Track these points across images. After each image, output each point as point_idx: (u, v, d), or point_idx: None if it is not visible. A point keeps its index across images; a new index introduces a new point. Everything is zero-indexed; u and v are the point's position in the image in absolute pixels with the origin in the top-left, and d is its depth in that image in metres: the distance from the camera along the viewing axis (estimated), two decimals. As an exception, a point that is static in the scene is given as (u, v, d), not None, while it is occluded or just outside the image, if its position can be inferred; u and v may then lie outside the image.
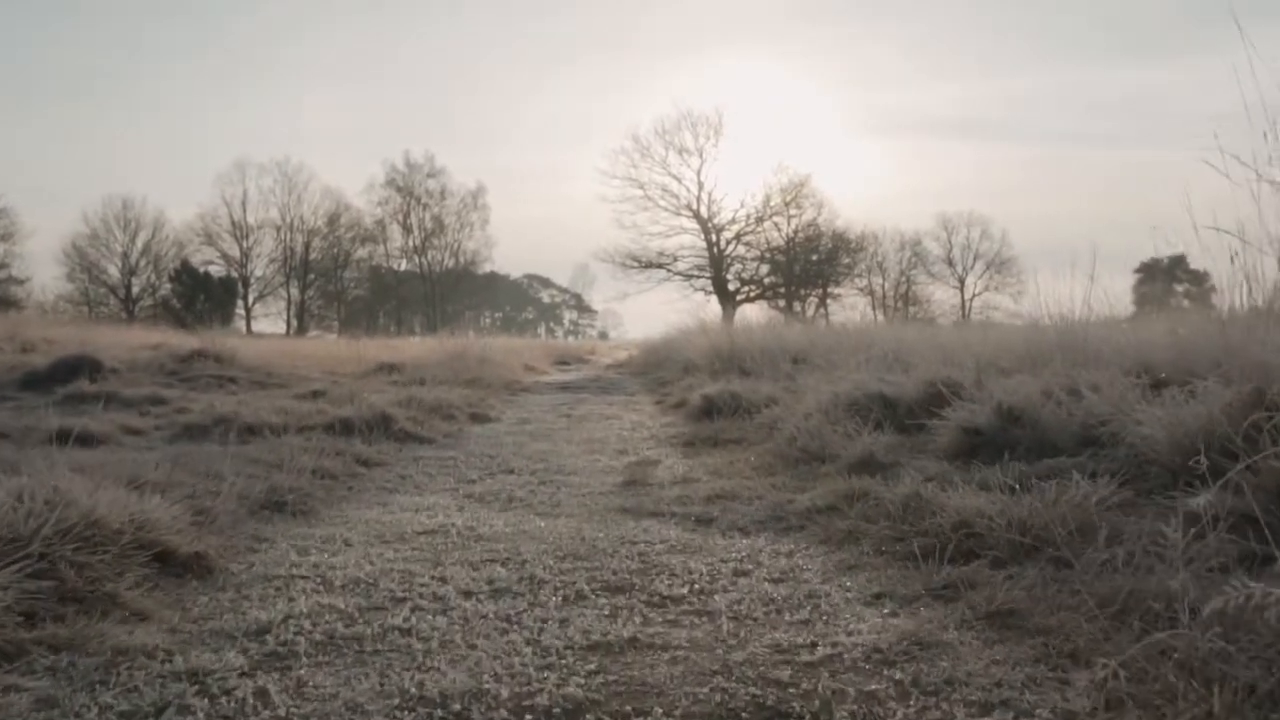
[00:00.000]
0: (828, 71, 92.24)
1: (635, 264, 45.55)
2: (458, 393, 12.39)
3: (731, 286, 45.97)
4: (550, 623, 3.38)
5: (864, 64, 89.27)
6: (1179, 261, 62.27)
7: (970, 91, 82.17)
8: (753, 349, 16.33)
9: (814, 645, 3.11)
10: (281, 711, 2.60)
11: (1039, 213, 62.46)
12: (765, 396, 10.45)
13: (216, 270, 58.38)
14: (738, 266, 47.10)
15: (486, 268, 65.65)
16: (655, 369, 21.60)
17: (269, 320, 60.88)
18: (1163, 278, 61.76)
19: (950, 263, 61.42)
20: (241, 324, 56.64)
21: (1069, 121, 78.92)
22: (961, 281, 61.42)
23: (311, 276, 61.91)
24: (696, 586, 3.88)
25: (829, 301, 49.84)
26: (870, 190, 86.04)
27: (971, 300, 61.16)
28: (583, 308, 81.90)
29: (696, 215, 45.97)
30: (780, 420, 8.76)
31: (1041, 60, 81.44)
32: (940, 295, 60.15)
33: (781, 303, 45.88)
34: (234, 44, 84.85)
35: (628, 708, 2.62)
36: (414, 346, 23.97)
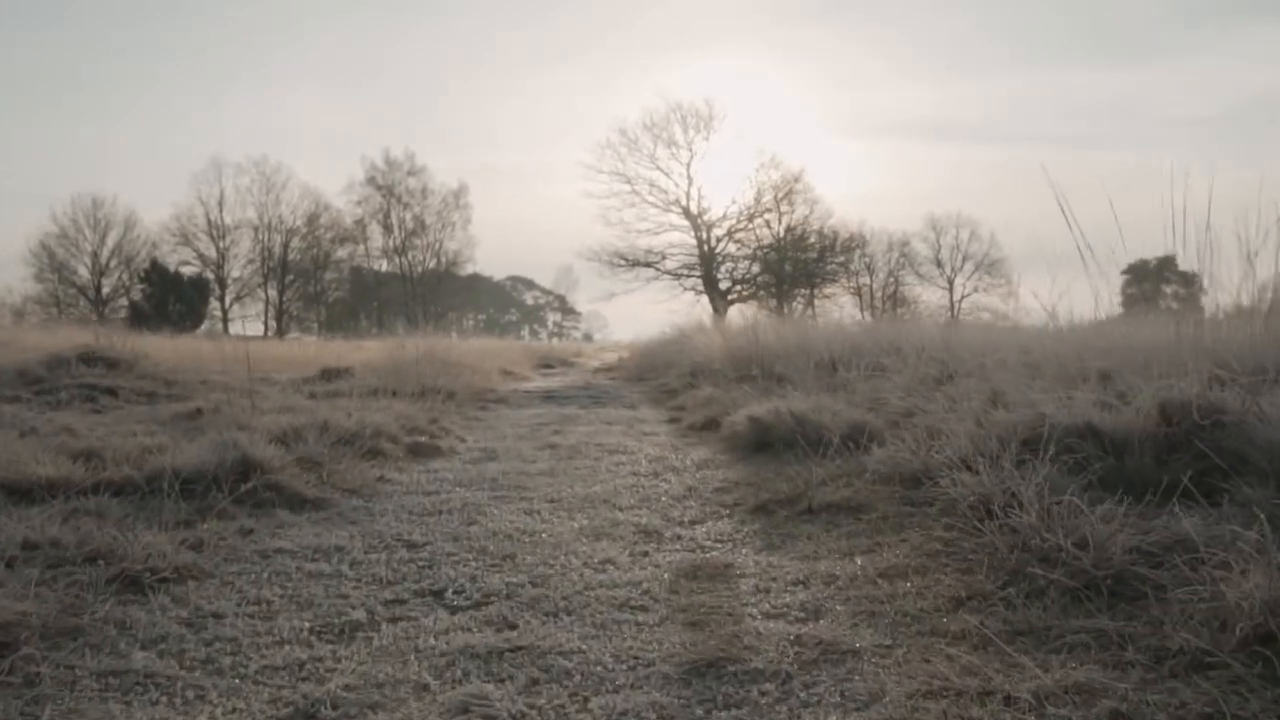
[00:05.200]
0: (810, 73, 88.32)
1: (622, 262, 41.36)
2: (399, 410, 8.41)
3: (723, 285, 41.93)
4: None
5: (845, 66, 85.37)
6: (1167, 262, 59.31)
7: (951, 94, 78.56)
8: (783, 351, 12.45)
9: None
10: None
11: (1022, 215, 58.74)
12: (849, 422, 6.59)
13: (192, 270, 54.08)
14: (729, 265, 43.04)
15: (469, 269, 61.38)
16: (654, 374, 17.64)
17: (248, 322, 56.67)
18: (1151, 278, 58.81)
19: (939, 263, 57.99)
20: (218, 326, 52.48)
21: (1050, 124, 75.40)
22: (950, 282, 58.00)
23: (290, 277, 57.62)
24: None
25: (816, 302, 46.05)
26: (854, 191, 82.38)
27: (960, 301, 57.74)
28: (567, 309, 77.65)
29: (686, 212, 41.87)
30: (919, 469, 4.88)
31: (1021, 64, 77.91)
32: (927, 296, 56.70)
33: (773, 302, 41.96)
34: (208, 44, 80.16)
35: None
36: (374, 349, 19.93)
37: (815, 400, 7.66)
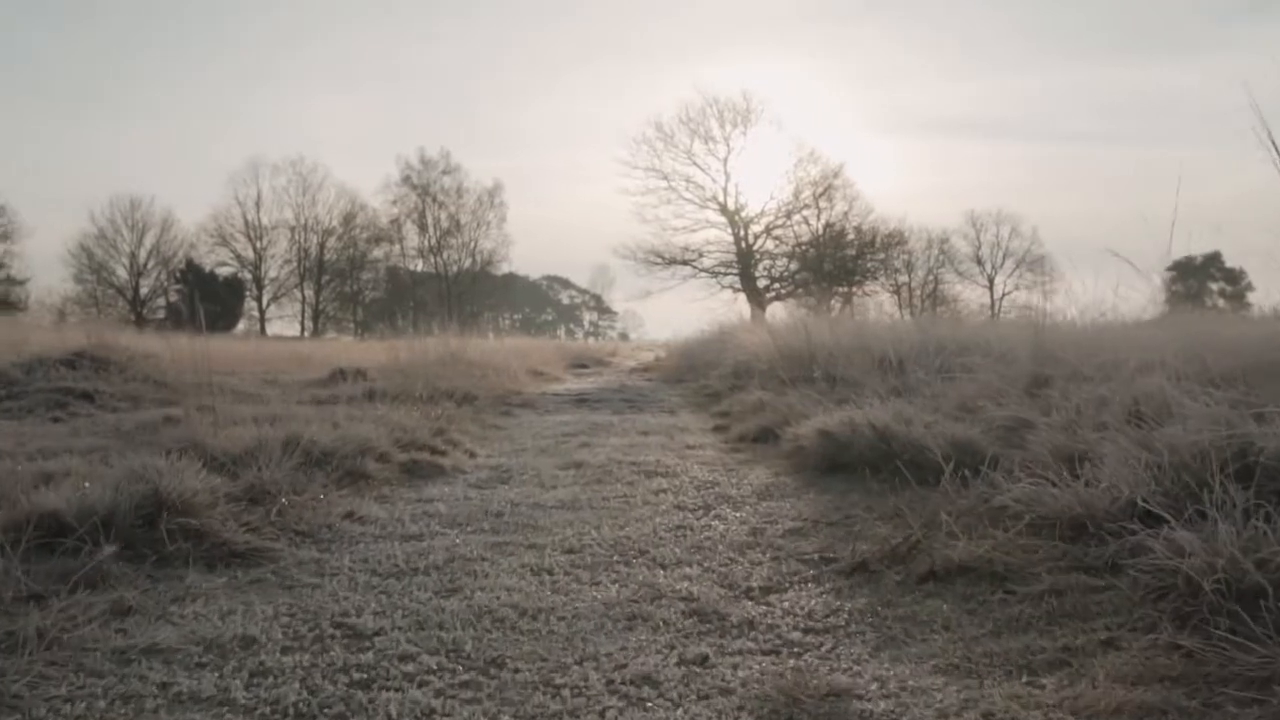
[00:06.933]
0: (846, 70, 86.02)
1: (659, 260, 39.75)
2: (399, 419, 7.00)
3: (761, 283, 40.25)
4: None
5: (882, 63, 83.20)
6: (1213, 259, 56.41)
7: (989, 90, 76.22)
8: (839, 349, 10.93)
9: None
10: None
11: (1059, 211, 56.57)
12: (950, 438, 5.11)
13: (228, 270, 53.37)
14: (766, 262, 41.28)
15: (504, 268, 60.02)
16: (693, 374, 16.19)
17: (284, 323, 55.91)
18: (1197, 276, 55.88)
19: (979, 261, 56.01)
20: (255, 326, 51.75)
21: (1086, 120, 72.78)
22: (991, 280, 55.98)
23: (327, 278, 56.73)
24: None
25: (855, 300, 44.24)
26: (892, 188, 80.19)
27: (1001, 299, 55.67)
28: (602, 309, 76.26)
29: (723, 208, 40.19)
30: (1081, 514, 3.39)
31: (1058, 59, 75.27)
32: (968, 294, 54.67)
33: (812, 300, 40.26)
34: (244, 46, 79.40)
35: None
36: (400, 349, 18.63)
37: (894, 408, 6.17)
